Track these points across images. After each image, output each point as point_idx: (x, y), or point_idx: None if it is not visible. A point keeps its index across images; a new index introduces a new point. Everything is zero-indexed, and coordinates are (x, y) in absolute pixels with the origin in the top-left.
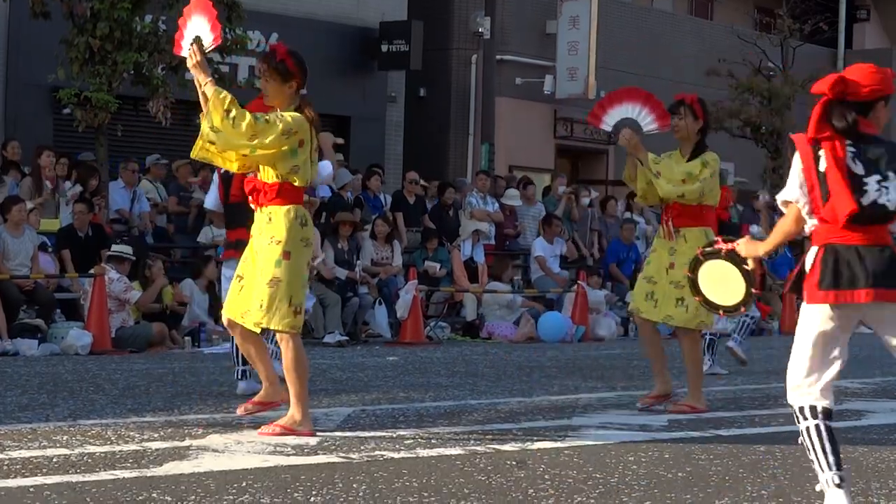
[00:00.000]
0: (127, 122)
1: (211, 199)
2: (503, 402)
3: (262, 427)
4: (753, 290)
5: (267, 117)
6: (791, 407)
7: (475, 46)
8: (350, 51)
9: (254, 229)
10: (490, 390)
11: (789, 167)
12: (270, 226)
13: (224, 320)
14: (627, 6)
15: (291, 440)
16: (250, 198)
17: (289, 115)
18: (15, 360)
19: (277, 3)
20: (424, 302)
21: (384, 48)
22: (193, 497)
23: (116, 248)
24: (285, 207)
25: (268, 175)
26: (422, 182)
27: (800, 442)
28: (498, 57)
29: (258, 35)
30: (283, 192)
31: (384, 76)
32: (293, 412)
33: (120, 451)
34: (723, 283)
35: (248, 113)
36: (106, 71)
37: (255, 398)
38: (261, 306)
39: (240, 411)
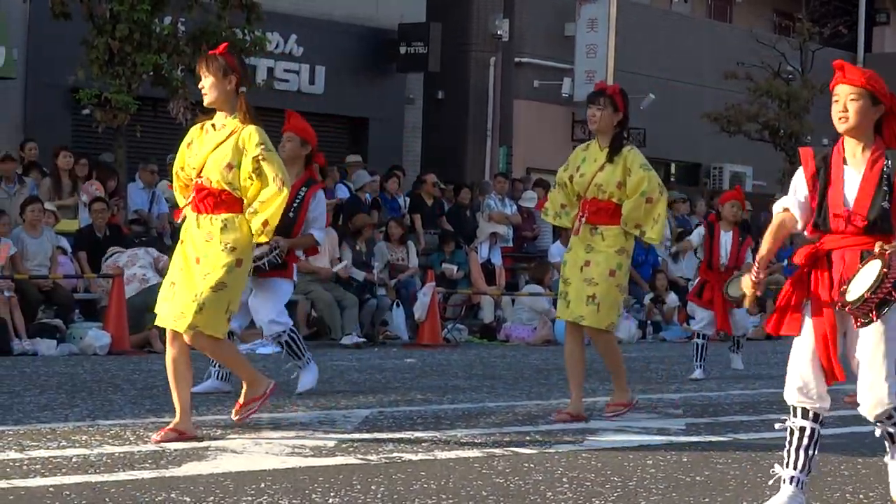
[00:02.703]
0: (146, 124)
1: None
2: (521, 405)
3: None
4: (885, 270)
5: (278, 162)
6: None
7: (493, 49)
8: (368, 52)
9: (190, 235)
10: (508, 393)
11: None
12: (227, 233)
13: (167, 337)
14: (646, 9)
15: (310, 441)
16: (196, 204)
17: (263, 137)
18: (34, 361)
19: (296, 5)
20: (442, 304)
21: (402, 50)
22: (212, 498)
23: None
24: (240, 216)
25: (228, 184)
26: (441, 185)
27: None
28: (516, 59)
29: (277, 36)
30: (239, 202)
31: (402, 78)
32: (182, 417)
33: (139, 452)
34: (861, 280)
35: (281, 181)
36: (125, 72)
37: (241, 399)
38: (200, 309)
39: (234, 418)
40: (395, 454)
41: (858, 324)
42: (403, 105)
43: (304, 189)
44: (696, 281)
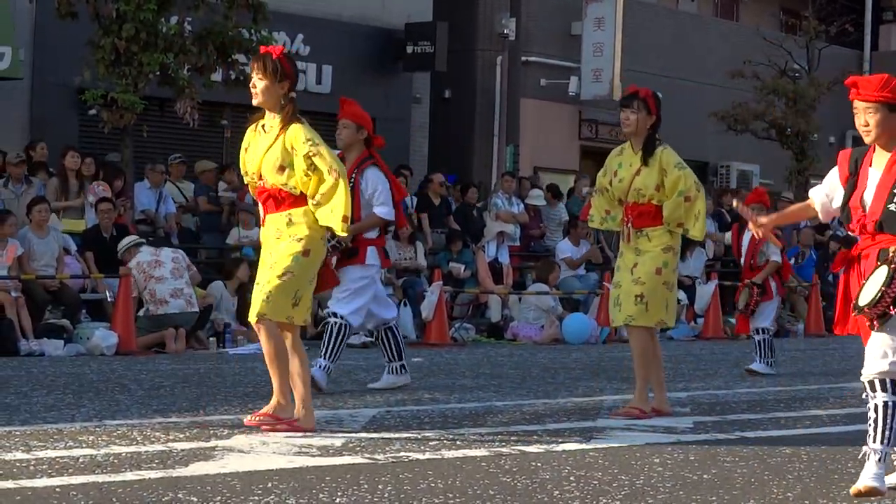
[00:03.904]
0: (152, 124)
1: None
2: (528, 404)
3: (249, 417)
4: (884, 289)
5: (330, 154)
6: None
7: (500, 48)
8: (375, 52)
9: (266, 236)
10: (515, 392)
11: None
12: (293, 227)
13: (258, 332)
14: (653, 7)
15: (317, 440)
16: (261, 206)
17: (312, 135)
18: (41, 361)
19: (303, 5)
20: (449, 303)
21: (409, 49)
22: (219, 498)
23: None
24: (303, 209)
25: (283, 185)
26: (447, 184)
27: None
28: (523, 58)
29: (283, 36)
30: (300, 197)
31: (409, 77)
32: (277, 399)
33: (146, 452)
34: (870, 287)
35: (337, 172)
36: (132, 72)
37: (265, 409)
38: (267, 298)
39: (247, 420)
40: (402, 453)
41: (876, 326)
42: (410, 104)
43: (355, 171)
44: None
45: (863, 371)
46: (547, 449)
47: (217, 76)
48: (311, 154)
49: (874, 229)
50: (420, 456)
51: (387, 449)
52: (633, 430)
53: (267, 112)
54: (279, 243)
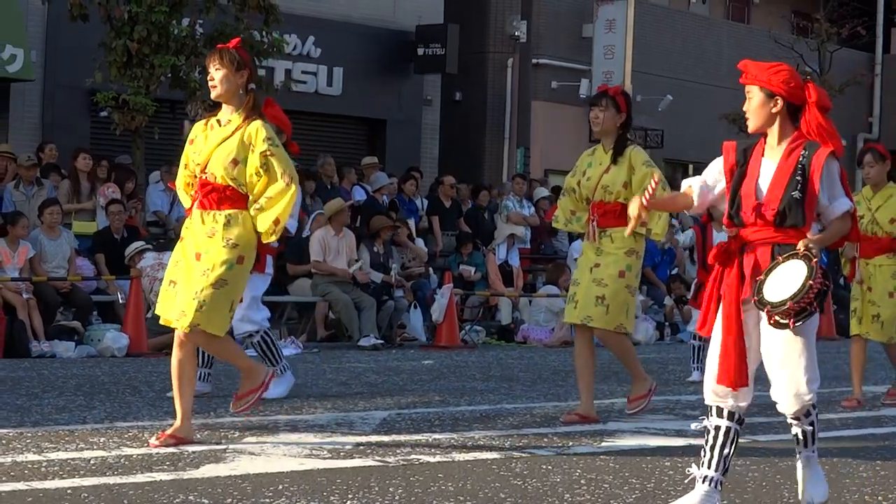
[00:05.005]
0: (164, 125)
1: None
2: (539, 407)
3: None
4: (811, 282)
5: (286, 158)
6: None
7: (511, 50)
8: (386, 54)
9: (196, 231)
10: (525, 394)
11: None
12: (230, 229)
13: (176, 338)
14: (664, 10)
15: (327, 443)
16: (201, 200)
17: (270, 132)
18: (52, 363)
19: (314, 7)
20: (460, 306)
21: (420, 51)
22: (230, 500)
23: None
24: (244, 212)
25: (232, 180)
26: (456, 185)
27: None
28: (534, 60)
29: (294, 38)
30: (243, 198)
31: (420, 80)
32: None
33: (157, 454)
34: (784, 281)
35: (290, 177)
36: (143, 74)
37: (239, 391)
38: (201, 307)
39: (232, 409)
40: (412, 456)
41: (772, 321)
42: (421, 106)
43: None
44: (694, 283)
45: (787, 402)
46: (558, 452)
47: None
48: (268, 153)
49: (773, 219)
50: (431, 459)
51: (397, 452)
52: (643, 433)
53: (224, 106)
54: (210, 243)
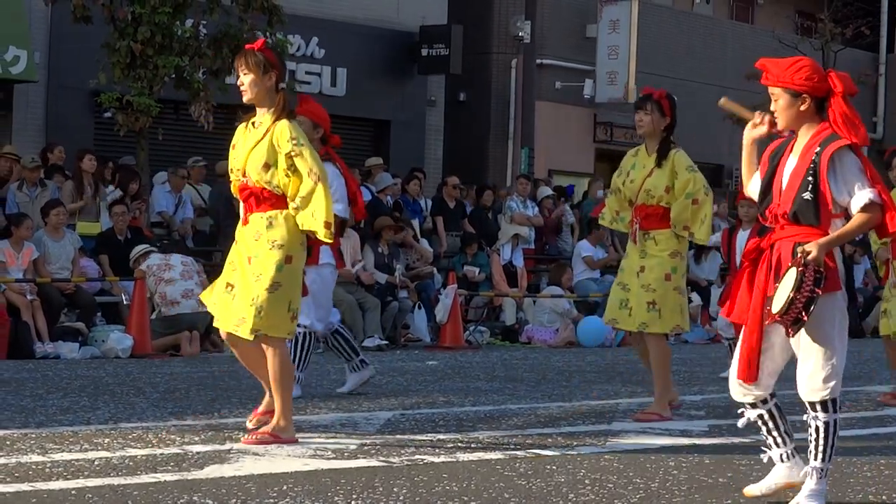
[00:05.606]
0: (168, 127)
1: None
2: (543, 407)
3: (246, 436)
4: (795, 295)
5: (311, 156)
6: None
7: (515, 50)
8: (390, 55)
9: (245, 235)
10: (530, 395)
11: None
12: (273, 230)
13: (223, 335)
14: (668, 10)
15: (332, 443)
16: (243, 203)
17: (298, 134)
18: (56, 364)
19: (318, 8)
20: (464, 306)
21: (424, 52)
22: (234, 500)
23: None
24: (285, 212)
25: (266, 183)
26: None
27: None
28: (538, 61)
29: (298, 39)
30: (282, 198)
31: (424, 80)
32: (279, 419)
33: (161, 454)
34: (781, 293)
35: (316, 175)
36: (147, 75)
37: (262, 408)
38: (259, 312)
39: (250, 424)
40: (417, 456)
41: (791, 332)
42: (425, 107)
43: None
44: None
45: (803, 391)
46: (562, 452)
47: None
48: (292, 154)
49: (788, 219)
50: (435, 459)
51: (402, 452)
52: (648, 433)
53: (258, 108)
54: (258, 245)
